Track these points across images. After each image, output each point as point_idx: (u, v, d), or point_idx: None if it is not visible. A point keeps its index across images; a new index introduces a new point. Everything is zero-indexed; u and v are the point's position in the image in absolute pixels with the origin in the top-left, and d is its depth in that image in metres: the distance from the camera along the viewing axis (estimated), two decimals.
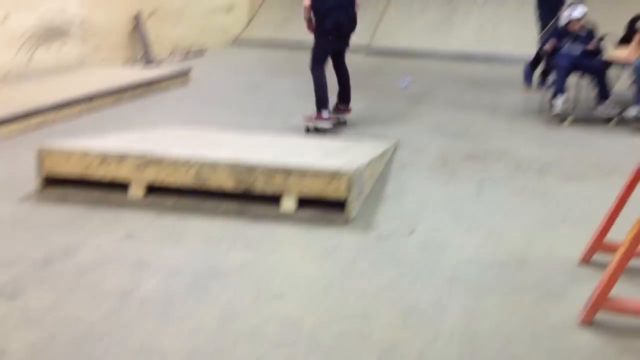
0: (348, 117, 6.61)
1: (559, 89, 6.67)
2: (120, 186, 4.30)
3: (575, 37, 6.88)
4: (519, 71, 8.82)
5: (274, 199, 4.17)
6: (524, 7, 11.50)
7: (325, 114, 6.14)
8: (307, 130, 6.19)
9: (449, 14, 11.75)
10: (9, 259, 3.50)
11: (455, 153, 5.61)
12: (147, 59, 9.58)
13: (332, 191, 4.10)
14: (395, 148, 5.63)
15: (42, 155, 4.36)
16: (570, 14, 6.91)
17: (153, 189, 4.30)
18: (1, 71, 7.45)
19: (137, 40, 9.67)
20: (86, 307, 3.06)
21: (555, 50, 6.85)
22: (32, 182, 4.44)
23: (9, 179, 4.69)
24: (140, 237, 3.83)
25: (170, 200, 4.26)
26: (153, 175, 4.28)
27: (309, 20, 6.11)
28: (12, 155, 5.28)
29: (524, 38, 10.71)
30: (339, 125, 6.44)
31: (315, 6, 5.99)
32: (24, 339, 2.80)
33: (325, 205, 4.15)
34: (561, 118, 6.67)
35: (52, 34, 8.15)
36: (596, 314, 3.00)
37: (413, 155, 5.51)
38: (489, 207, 4.43)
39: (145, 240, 3.79)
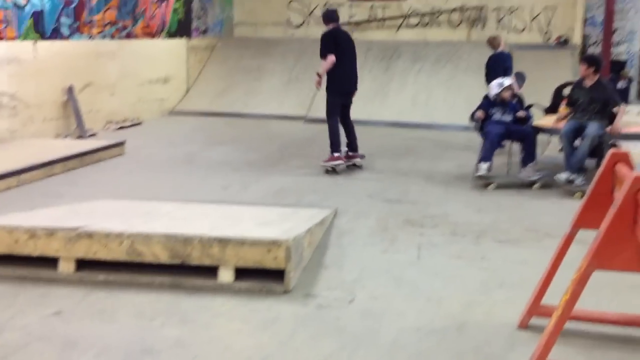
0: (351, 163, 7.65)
1: (485, 156, 6.89)
2: (50, 261, 4.13)
3: (505, 106, 7.19)
4: (452, 137, 9.11)
5: (212, 270, 4.08)
6: (455, 77, 12.07)
7: (337, 155, 7.50)
8: (327, 171, 7.48)
9: (384, 83, 12.15)
10: None
11: (394, 219, 5.67)
12: (80, 132, 9.44)
13: (270, 260, 4.05)
14: (334, 215, 5.65)
15: None
16: (502, 82, 7.25)
17: (84, 264, 4.15)
18: None
19: (70, 113, 9.54)
20: None
21: (486, 118, 7.14)
22: None
23: None
24: (69, 314, 3.66)
25: (102, 275, 4.11)
26: (84, 249, 4.14)
27: (320, 78, 7.53)
28: None
29: (455, 106, 11.17)
30: (354, 167, 7.74)
31: (333, 70, 7.40)
32: None
33: (264, 275, 4.09)
34: (485, 183, 6.87)
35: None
36: None
37: (352, 222, 5.53)
38: (429, 273, 4.45)
39: (75, 317, 3.63)
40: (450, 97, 11.57)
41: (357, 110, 11.54)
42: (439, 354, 3.32)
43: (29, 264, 4.17)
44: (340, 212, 5.77)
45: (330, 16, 7.69)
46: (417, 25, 13.69)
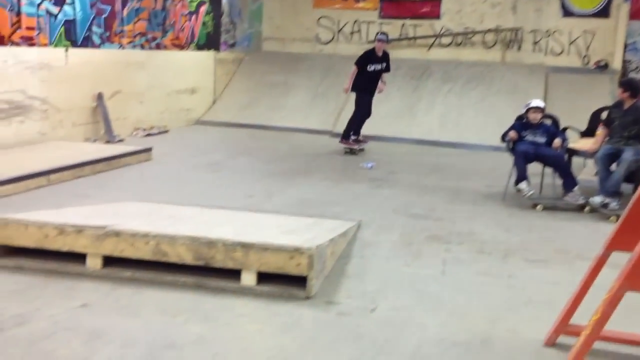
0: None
1: (520, 175, 6.86)
2: (77, 256, 4.19)
3: (536, 128, 7.15)
4: (481, 158, 9.05)
5: (234, 272, 4.10)
6: (486, 98, 12.04)
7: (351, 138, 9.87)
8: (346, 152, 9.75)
9: (412, 102, 12.17)
10: None
11: (418, 234, 5.65)
12: (109, 137, 9.58)
13: (293, 267, 4.06)
14: (358, 227, 5.64)
15: None
16: (528, 103, 7.23)
17: (111, 261, 4.20)
18: None
19: (99, 118, 9.69)
20: None
21: (517, 140, 7.09)
22: None
23: None
24: (96, 307, 3.71)
25: (128, 272, 4.16)
26: (111, 247, 4.19)
27: (349, 84, 9.67)
28: None
29: (486, 127, 11.13)
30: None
31: (359, 77, 9.61)
32: None
33: (285, 281, 4.10)
34: (533, 203, 6.82)
35: (12, 110, 8.12)
36: None
37: (376, 235, 5.52)
38: (453, 288, 4.42)
39: (101, 310, 3.67)
40: (481, 118, 11.53)
41: (385, 127, 11.69)
42: None
43: (57, 258, 4.24)
44: (364, 225, 5.76)
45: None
46: (449, 44, 13.71)
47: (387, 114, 11.82)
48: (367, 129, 10.38)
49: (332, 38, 14.38)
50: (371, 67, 9.60)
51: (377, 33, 9.97)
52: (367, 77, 9.62)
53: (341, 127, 11.89)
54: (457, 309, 4.03)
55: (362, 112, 9.77)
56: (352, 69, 9.58)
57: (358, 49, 14.02)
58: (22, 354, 3.11)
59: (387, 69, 9.84)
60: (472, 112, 11.79)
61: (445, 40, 13.70)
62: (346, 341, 3.48)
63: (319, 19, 14.39)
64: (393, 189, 7.53)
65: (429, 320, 3.83)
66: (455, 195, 7.34)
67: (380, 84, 9.74)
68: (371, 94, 9.79)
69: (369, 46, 14.97)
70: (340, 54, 13.98)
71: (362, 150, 9.84)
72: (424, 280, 4.52)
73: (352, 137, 9.75)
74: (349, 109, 12.71)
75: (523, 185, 6.86)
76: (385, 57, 9.78)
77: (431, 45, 13.78)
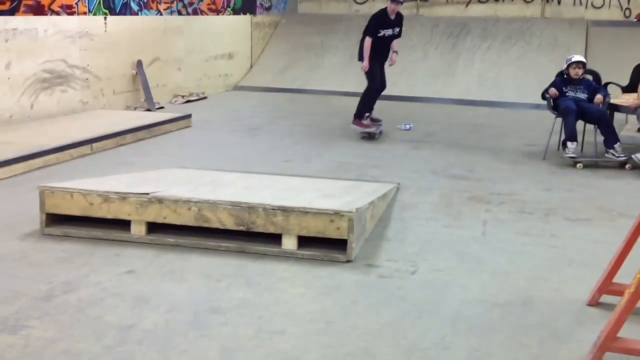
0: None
1: (571, 135, 6.69)
2: (122, 223, 4.30)
3: (577, 83, 6.95)
4: (521, 116, 8.87)
5: (275, 237, 4.15)
6: (526, 55, 11.73)
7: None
8: (363, 137, 8.01)
9: (450, 61, 11.94)
10: (12, 293, 3.49)
11: (458, 195, 5.61)
12: (149, 105, 9.69)
13: (333, 230, 4.08)
14: (397, 190, 5.62)
15: (44, 195, 4.37)
16: (569, 58, 7.02)
17: (154, 227, 4.29)
18: (5, 115, 7.54)
19: (139, 86, 9.80)
20: (87, 340, 3.04)
21: (559, 96, 6.91)
22: (35, 220, 4.44)
23: (12, 218, 4.70)
24: (141, 273, 3.81)
25: (171, 238, 4.25)
26: (154, 214, 4.27)
27: (367, 61, 7.81)
28: (15, 195, 5.30)
29: (525, 85, 10.88)
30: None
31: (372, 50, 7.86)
32: None
33: (326, 244, 4.13)
34: (573, 161, 6.69)
35: (54, 80, 8.27)
36: (603, 355, 2.93)
37: (415, 197, 5.50)
38: (494, 248, 4.39)
39: (147, 276, 3.77)
40: (521, 75, 11.27)
41: (422, 87, 11.53)
42: (503, 326, 3.29)
43: (103, 226, 4.35)
44: (403, 187, 5.74)
45: None
46: (487, 0, 13.34)
47: (424, 74, 11.64)
48: (404, 89, 10.23)
49: None
50: (381, 32, 7.85)
51: None
52: (377, 44, 7.88)
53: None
54: (498, 270, 4.01)
55: (376, 84, 8.05)
56: (366, 42, 7.76)
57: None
58: (72, 320, 3.22)
59: (399, 34, 8.09)
60: (512, 69, 11.52)
61: None
62: (387, 304, 3.51)
63: None
64: (431, 150, 7.47)
65: (470, 281, 3.82)
66: (494, 155, 7.23)
67: (392, 54, 8.01)
68: (382, 63, 8.13)
69: (406, 5, 14.62)
70: None
71: (380, 133, 8.09)
72: (464, 241, 4.51)
73: (367, 117, 8.05)
74: (387, 69, 12.52)
75: (573, 145, 6.69)
76: (398, 21, 8.04)
77: (469, 2, 13.43)
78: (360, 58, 7.88)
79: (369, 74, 7.95)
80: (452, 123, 9.26)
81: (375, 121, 8.10)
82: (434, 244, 4.46)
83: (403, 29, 8.26)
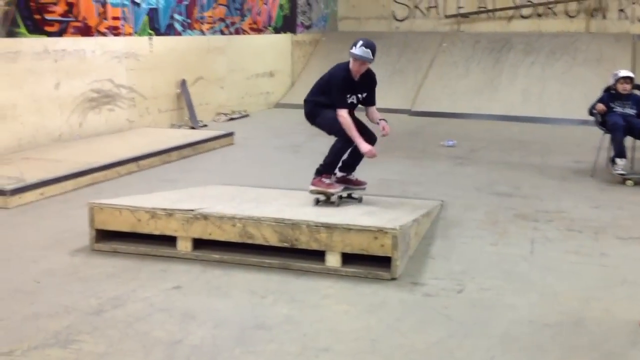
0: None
1: (620, 150, 6.54)
2: (168, 239, 4.36)
3: (625, 99, 6.80)
4: (567, 132, 8.70)
5: (319, 254, 4.15)
6: (571, 69, 11.54)
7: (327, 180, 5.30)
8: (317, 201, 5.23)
9: (493, 77, 11.82)
10: (63, 308, 3.56)
11: (504, 212, 5.52)
12: (193, 123, 9.85)
13: (377, 247, 4.06)
14: (441, 207, 5.56)
15: (94, 211, 4.47)
16: (616, 73, 6.88)
17: (200, 243, 4.34)
18: (55, 133, 7.76)
19: (183, 104, 9.97)
20: (136, 355, 3.08)
21: (606, 112, 6.77)
22: (84, 236, 4.54)
23: (63, 233, 4.82)
24: (188, 289, 3.85)
25: (216, 254, 4.28)
26: (200, 230, 4.32)
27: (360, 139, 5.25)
28: (66, 211, 5.43)
29: (571, 100, 10.69)
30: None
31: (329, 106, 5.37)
32: None
33: (369, 261, 4.10)
34: (623, 178, 6.52)
35: (102, 99, 8.48)
36: None
37: (460, 215, 5.43)
38: (542, 267, 4.29)
39: (193, 292, 3.81)
40: (566, 90, 11.09)
41: (465, 103, 11.42)
42: (553, 347, 3.20)
43: (150, 241, 4.41)
44: (447, 205, 5.67)
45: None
46: (530, 16, 13.20)
47: (466, 90, 11.55)
48: (446, 106, 10.12)
49: (408, 15, 14.13)
50: (348, 98, 5.33)
51: (358, 42, 5.40)
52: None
53: (421, 105, 11.69)
54: (548, 289, 3.92)
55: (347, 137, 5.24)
56: (342, 119, 5.20)
57: (436, 25, 13.78)
58: (120, 335, 3.26)
59: (372, 101, 5.54)
60: (557, 84, 11.34)
61: (526, 11, 13.20)
62: (434, 322, 3.46)
63: None
64: (475, 166, 7.38)
65: (519, 301, 3.74)
66: (541, 171, 7.10)
67: (382, 123, 5.43)
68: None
69: (447, 22, 14.54)
70: (417, 30, 13.74)
71: (360, 200, 5.32)
72: (511, 259, 4.42)
73: (335, 175, 5.30)
74: (428, 85, 12.48)
75: (622, 161, 6.53)
76: (367, 82, 5.52)
77: (511, 17, 13.31)
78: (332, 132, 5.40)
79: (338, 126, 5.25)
80: (496, 139, 9.14)
81: (349, 183, 5.35)
82: (481, 262, 4.38)
83: (375, 94, 5.60)
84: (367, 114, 5.61)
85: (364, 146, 5.25)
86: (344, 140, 5.29)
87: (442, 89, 11.77)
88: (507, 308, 3.65)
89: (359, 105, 5.46)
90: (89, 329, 3.32)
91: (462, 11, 13.54)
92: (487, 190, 6.30)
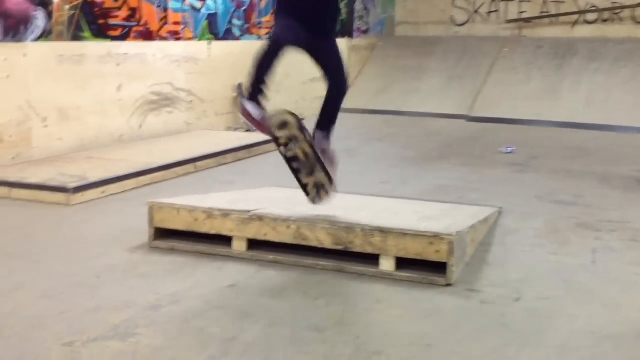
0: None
1: None
2: (224, 239, 4.41)
3: None
4: (633, 141, 8.41)
5: (373, 258, 4.12)
6: (637, 77, 11.13)
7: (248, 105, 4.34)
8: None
9: (555, 84, 11.52)
10: (123, 302, 3.65)
11: (565, 221, 5.35)
12: (248, 126, 9.95)
13: (432, 253, 4.00)
14: (499, 214, 5.44)
15: (153, 210, 4.57)
16: None
17: (255, 243, 4.38)
18: (116, 134, 7.99)
19: (238, 108, 10.12)
20: (192, 349, 3.13)
21: None
22: (143, 233, 4.64)
23: (123, 231, 4.94)
24: (242, 288, 3.89)
25: (271, 255, 4.31)
26: (255, 231, 4.36)
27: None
28: (126, 209, 5.57)
29: (637, 108, 10.33)
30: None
31: None
32: None
33: (425, 267, 4.05)
34: None
35: (161, 102, 8.69)
36: None
37: (519, 222, 5.30)
38: (604, 278, 4.14)
39: (247, 291, 3.85)
40: (632, 98, 10.69)
41: (525, 110, 11.17)
42: (614, 359, 3.09)
43: (206, 240, 4.48)
44: (505, 212, 5.53)
45: None
46: (595, 21, 12.82)
47: (526, 96, 11.29)
48: (506, 112, 9.87)
49: (468, 19, 13.94)
50: None
51: None
52: None
53: (479, 111, 11.48)
54: (609, 301, 3.78)
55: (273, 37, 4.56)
56: None
57: (496, 30, 13.53)
58: (177, 330, 3.33)
59: None
60: (622, 92, 10.95)
61: (591, 17, 12.81)
62: (490, 330, 3.39)
63: (454, 0, 14.01)
64: (535, 174, 7.19)
65: (579, 311, 3.62)
66: (604, 180, 6.87)
67: None
68: (310, 26, 4.34)
69: (508, 27, 14.25)
70: (477, 35, 13.52)
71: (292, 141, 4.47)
72: (572, 269, 4.28)
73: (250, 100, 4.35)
74: (487, 91, 12.23)
75: None
76: None
77: (575, 23, 12.95)
78: None
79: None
80: (557, 146, 8.89)
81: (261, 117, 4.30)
82: (539, 271, 4.26)
83: None
84: None
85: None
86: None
87: (501, 94, 11.54)
88: (566, 318, 3.54)
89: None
90: (147, 323, 3.39)
91: (524, 16, 13.26)
92: (547, 198, 6.13)
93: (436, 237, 3.99)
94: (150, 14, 8.48)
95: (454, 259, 3.97)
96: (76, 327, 3.33)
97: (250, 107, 4.24)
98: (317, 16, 4.37)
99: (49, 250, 4.56)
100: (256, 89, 4.35)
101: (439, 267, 3.99)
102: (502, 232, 5.03)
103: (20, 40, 6.92)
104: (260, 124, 4.25)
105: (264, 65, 4.45)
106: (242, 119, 4.35)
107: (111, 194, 6.03)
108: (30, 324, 3.37)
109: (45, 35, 7.18)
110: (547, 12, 13.14)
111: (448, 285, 3.93)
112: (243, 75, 10.05)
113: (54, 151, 7.12)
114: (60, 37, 7.36)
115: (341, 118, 12.54)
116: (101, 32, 7.82)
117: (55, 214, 5.45)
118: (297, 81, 11.65)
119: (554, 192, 6.37)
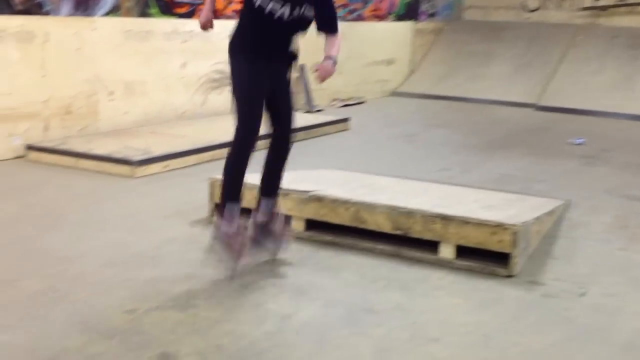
0: None
1: None
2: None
3: None
4: None
5: (431, 244, 4.04)
6: None
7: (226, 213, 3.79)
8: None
9: (631, 75, 11.02)
10: (183, 274, 3.71)
11: (636, 217, 5.12)
12: (308, 107, 9.95)
13: (494, 243, 3.89)
14: (566, 207, 5.25)
15: (214, 186, 4.61)
16: None
17: (313, 224, 4.36)
18: (179, 110, 8.11)
19: (300, 89, 10.09)
20: (250, 323, 3.17)
21: None
22: (203, 208, 4.71)
23: (183, 204, 5.02)
24: (299, 267, 3.89)
25: (329, 236, 4.29)
26: (313, 211, 4.34)
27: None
28: (187, 184, 5.66)
29: None
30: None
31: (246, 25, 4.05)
32: (193, 346, 2.93)
33: (485, 256, 3.94)
34: None
35: (223, 80, 8.75)
36: None
37: (586, 216, 5.10)
38: None
39: (304, 270, 3.84)
40: None
41: (597, 101, 10.74)
42: None
43: None
44: (572, 205, 5.34)
45: None
46: None
47: (600, 87, 10.85)
48: (577, 102, 9.52)
49: (540, 5, 13.47)
50: (267, 5, 3.64)
51: None
52: (265, 27, 3.80)
53: (548, 100, 11.09)
54: None
55: (245, 125, 3.98)
56: None
57: (570, 17, 13.03)
58: (235, 304, 3.37)
59: (311, 21, 3.92)
60: None
61: None
62: (552, 324, 3.27)
63: None
64: (606, 167, 6.91)
65: None
66: None
67: (324, 63, 4.08)
68: (276, 68, 4.02)
69: (582, 14, 13.66)
70: (549, 21, 13.06)
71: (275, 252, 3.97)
72: None
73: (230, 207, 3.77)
74: (558, 80, 11.85)
75: None
76: None
77: None
78: None
79: (235, 97, 3.97)
80: (631, 139, 8.52)
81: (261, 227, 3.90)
82: (606, 266, 4.10)
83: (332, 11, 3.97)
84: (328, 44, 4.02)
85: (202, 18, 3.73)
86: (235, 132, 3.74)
87: (573, 84, 11.12)
88: (632, 316, 3.39)
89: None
90: (206, 295, 3.44)
91: (600, 4, 12.71)
92: (617, 192, 5.87)
93: (499, 226, 3.87)
94: None
95: (517, 250, 3.85)
96: (138, 296, 3.40)
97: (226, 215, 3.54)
98: (287, 43, 3.87)
99: (112, 220, 4.67)
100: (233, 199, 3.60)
101: (500, 258, 3.88)
102: (568, 226, 4.85)
103: (89, 15, 7.09)
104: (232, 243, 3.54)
105: (241, 172, 3.81)
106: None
107: (173, 169, 6.13)
108: (94, 290, 3.46)
109: (114, 10, 7.33)
110: (625, 1, 12.55)
111: (510, 276, 3.82)
112: (306, 55, 10.03)
113: (119, 124, 7.29)
114: (128, 13, 7.50)
115: (402, 102, 12.38)
116: (168, 9, 7.92)
117: (119, 185, 5.59)
118: (359, 64, 11.54)
119: (624, 186, 6.10)
